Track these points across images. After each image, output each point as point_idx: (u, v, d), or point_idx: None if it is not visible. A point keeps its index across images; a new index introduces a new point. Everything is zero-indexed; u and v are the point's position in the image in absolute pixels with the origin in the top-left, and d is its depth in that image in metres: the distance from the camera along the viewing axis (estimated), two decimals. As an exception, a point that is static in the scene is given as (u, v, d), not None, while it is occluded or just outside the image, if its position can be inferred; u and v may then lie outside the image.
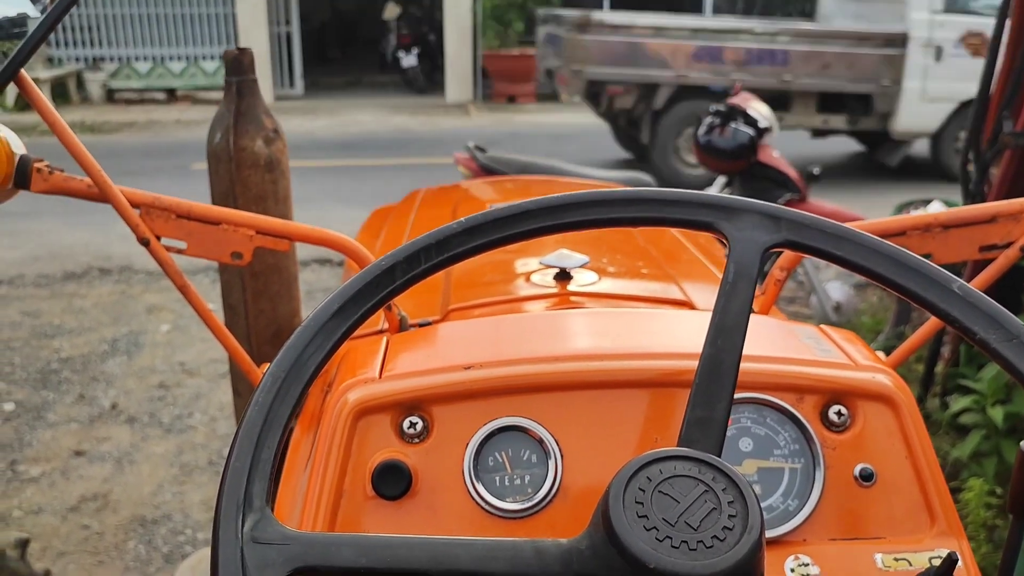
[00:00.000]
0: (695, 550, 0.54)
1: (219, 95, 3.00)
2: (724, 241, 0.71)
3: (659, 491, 0.57)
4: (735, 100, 4.19)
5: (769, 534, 0.86)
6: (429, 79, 14.17)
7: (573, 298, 1.35)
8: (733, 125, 4.07)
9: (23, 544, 2.28)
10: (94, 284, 5.21)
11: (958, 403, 2.73)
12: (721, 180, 4.29)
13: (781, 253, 1.18)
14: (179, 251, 1.23)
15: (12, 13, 1.20)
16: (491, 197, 2.39)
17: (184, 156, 8.69)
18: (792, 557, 0.85)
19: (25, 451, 3.31)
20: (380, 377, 0.92)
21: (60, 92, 12.17)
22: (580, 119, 11.26)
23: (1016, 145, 2.81)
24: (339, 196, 7.09)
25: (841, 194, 5.40)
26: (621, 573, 0.54)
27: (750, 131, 4.05)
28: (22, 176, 1.15)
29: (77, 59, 12.82)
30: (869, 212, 4.59)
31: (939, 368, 3.27)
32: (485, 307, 1.35)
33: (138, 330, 4.49)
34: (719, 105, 4.16)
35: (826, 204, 4.10)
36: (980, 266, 1.23)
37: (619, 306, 1.33)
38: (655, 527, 0.55)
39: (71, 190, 1.19)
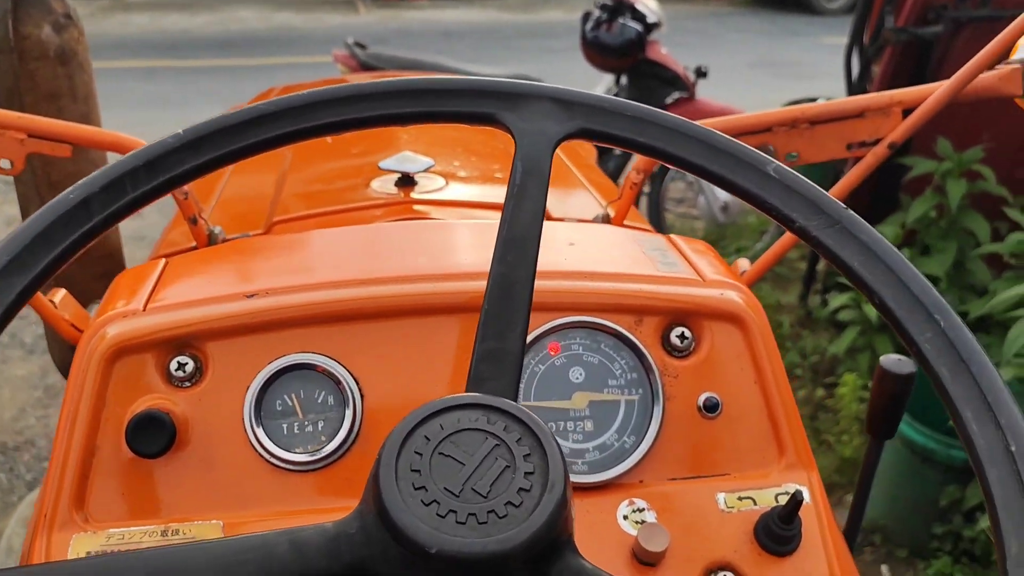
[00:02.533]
0: (485, 523, 0.44)
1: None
2: (510, 135, 0.60)
3: (440, 453, 0.46)
4: (624, -7, 4.02)
5: (601, 477, 0.76)
6: (315, -28, 13.44)
7: (415, 207, 1.22)
8: (621, 20, 3.91)
9: None
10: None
11: (836, 300, 2.80)
12: (608, 78, 4.15)
13: (634, 157, 1.06)
14: (-73, 160, 1.02)
15: None
16: None
17: None
18: (626, 502, 0.75)
19: None
20: (144, 309, 0.77)
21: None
22: (474, 16, 10.90)
23: (897, 41, 2.78)
24: (219, 98, 6.70)
25: (732, 93, 5.34)
26: (399, 560, 0.44)
27: (638, 27, 3.90)
28: None
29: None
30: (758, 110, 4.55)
31: (821, 266, 3.32)
32: (314, 219, 1.20)
33: (-9, 245, 4.17)
34: (607, -1, 3.99)
35: (714, 102, 4.02)
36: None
37: (464, 214, 1.20)
38: (435, 500, 0.44)
39: None
